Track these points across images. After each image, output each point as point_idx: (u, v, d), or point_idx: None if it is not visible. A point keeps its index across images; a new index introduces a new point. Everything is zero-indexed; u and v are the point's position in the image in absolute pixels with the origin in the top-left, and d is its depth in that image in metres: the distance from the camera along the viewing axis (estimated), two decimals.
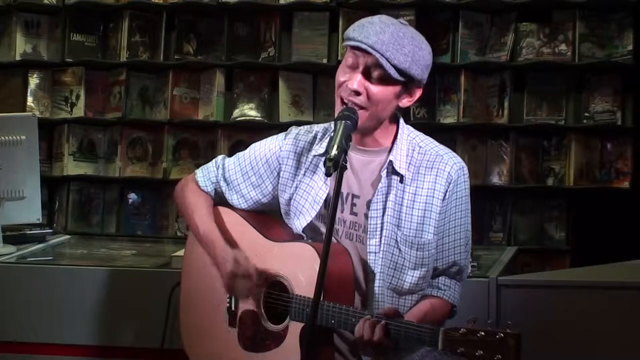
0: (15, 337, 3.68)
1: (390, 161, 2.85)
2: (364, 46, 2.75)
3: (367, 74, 2.78)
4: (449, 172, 2.85)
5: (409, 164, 2.87)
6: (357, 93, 2.78)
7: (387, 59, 2.74)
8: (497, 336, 2.51)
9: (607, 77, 5.41)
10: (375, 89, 2.78)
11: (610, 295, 3.48)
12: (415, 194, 2.85)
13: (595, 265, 3.90)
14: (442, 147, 2.92)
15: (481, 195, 5.44)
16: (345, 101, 2.79)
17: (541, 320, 3.20)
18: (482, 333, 2.53)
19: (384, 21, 2.80)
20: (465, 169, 2.90)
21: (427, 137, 2.94)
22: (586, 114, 5.44)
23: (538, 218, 5.48)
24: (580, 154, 5.42)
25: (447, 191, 2.85)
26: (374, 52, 2.74)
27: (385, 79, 2.78)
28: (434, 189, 2.85)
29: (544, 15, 5.50)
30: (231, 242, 2.95)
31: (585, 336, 3.43)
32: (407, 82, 2.80)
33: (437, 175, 2.85)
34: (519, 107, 5.51)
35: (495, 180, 5.51)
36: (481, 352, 2.52)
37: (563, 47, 5.44)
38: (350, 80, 2.79)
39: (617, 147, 5.41)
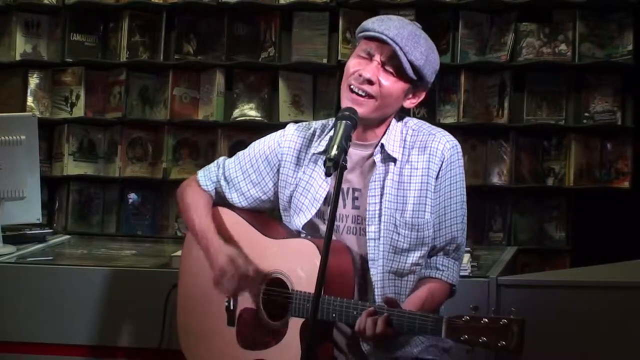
0: (15, 337, 3.68)
1: (382, 144, 2.86)
2: (384, 37, 2.78)
3: (381, 65, 2.81)
4: (441, 151, 2.88)
5: (402, 146, 2.88)
6: (370, 82, 2.80)
7: (405, 53, 2.78)
8: (501, 322, 2.52)
9: (607, 77, 5.40)
10: (388, 81, 2.81)
11: (610, 295, 3.48)
12: (410, 175, 2.87)
13: (595, 265, 3.90)
14: (434, 127, 2.94)
15: (481, 195, 5.45)
16: (356, 89, 2.81)
17: (541, 320, 3.20)
18: (486, 320, 2.54)
19: (401, 19, 2.86)
20: (458, 146, 2.93)
21: (420, 120, 2.97)
22: (586, 114, 5.44)
23: (538, 218, 5.48)
24: (580, 154, 5.42)
25: (440, 169, 2.87)
26: (393, 45, 2.78)
27: (399, 73, 2.81)
28: (428, 168, 2.87)
29: (544, 15, 5.50)
30: (228, 241, 2.96)
31: (585, 336, 3.43)
32: (417, 81, 2.83)
33: (430, 154, 2.87)
34: (519, 107, 5.51)
35: (495, 180, 5.51)
36: (484, 338, 2.52)
37: (563, 47, 5.44)
38: (364, 69, 2.80)
39: (617, 147, 5.41)
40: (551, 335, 3.34)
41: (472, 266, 3.57)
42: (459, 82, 5.50)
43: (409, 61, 2.78)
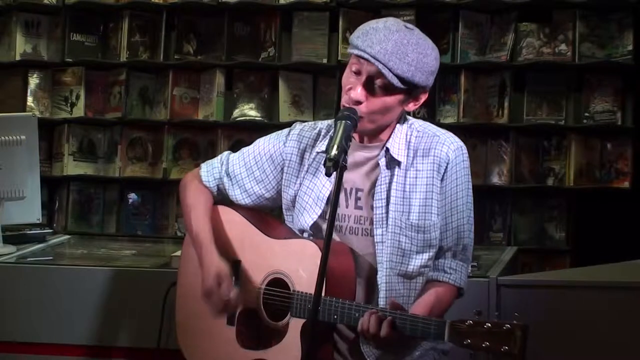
0: (15, 337, 3.68)
1: (387, 148, 2.85)
2: (366, 56, 2.75)
3: (369, 83, 2.77)
4: (446, 153, 2.85)
5: (407, 149, 2.87)
6: (359, 102, 2.78)
7: (389, 69, 2.74)
8: (504, 327, 2.52)
9: (607, 77, 5.41)
10: (377, 99, 2.78)
11: (610, 295, 3.48)
12: (416, 178, 2.86)
13: (595, 265, 3.90)
14: (439, 129, 2.92)
15: (481, 195, 5.44)
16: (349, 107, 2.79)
17: (541, 320, 3.20)
18: (489, 325, 2.54)
19: (388, 27, 2.78)
20: (464, 148, 2.90)
21: (425, 122, 2.94)
22: (586, 114, 5.44)
23: (538, 218, 5.48)
24: (580, 154, 5.42)
25: (445, 172, 2.86)
26: (376, 63, 2.74)
27: (388, 88, 2.77)
28: (433, 170, 2.85)
29: (544, 15, 5.50)
30: (226, 245, 2.95)
31: (585, 336, 3.43)
32: (411, 89, 2.80)
33: (434, 157, 2.85)
34: (519, 107, 5.51)
35: (495, 180, 5.51)
36: (487, 343, 2.53)
37: (563, 47, 5.44)
38: (354, 88, 2.79)
39: (617, 147, 5.41)
40: (551, 335, 3.34)
41: (472, 266, 3.56)
42: (459, 82, 5.50)
43: (395, 75, 2.74)
